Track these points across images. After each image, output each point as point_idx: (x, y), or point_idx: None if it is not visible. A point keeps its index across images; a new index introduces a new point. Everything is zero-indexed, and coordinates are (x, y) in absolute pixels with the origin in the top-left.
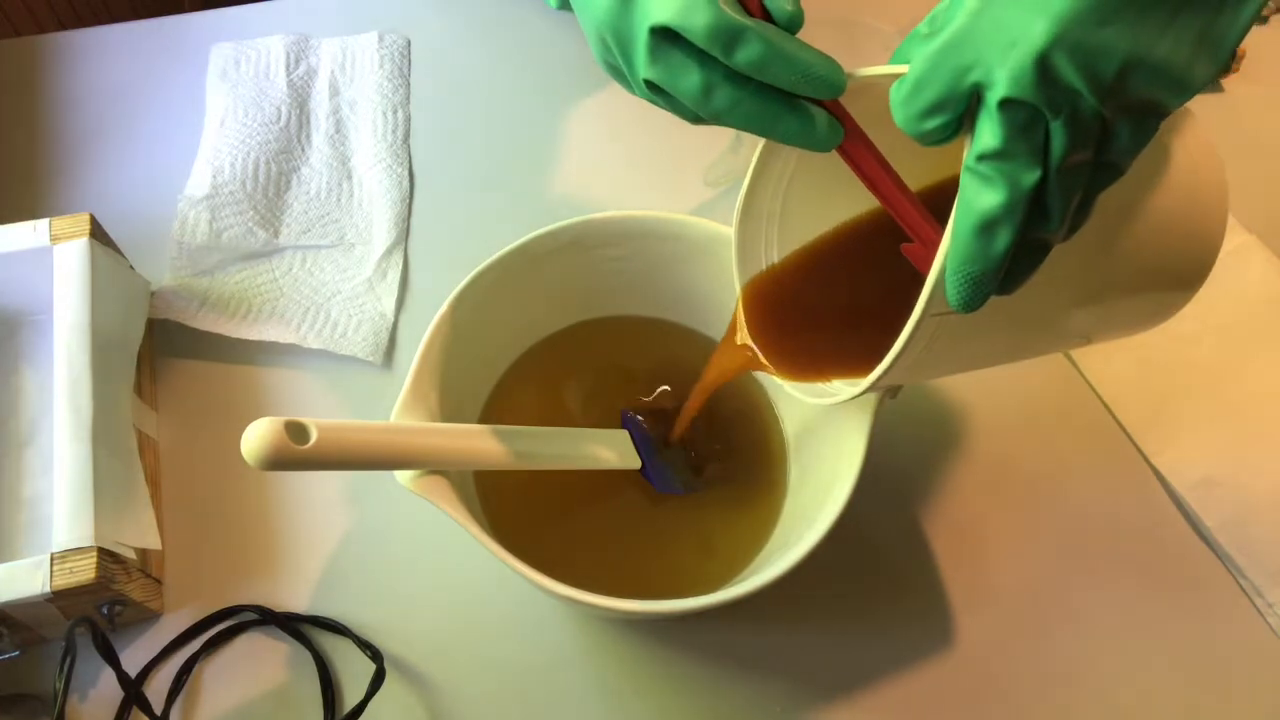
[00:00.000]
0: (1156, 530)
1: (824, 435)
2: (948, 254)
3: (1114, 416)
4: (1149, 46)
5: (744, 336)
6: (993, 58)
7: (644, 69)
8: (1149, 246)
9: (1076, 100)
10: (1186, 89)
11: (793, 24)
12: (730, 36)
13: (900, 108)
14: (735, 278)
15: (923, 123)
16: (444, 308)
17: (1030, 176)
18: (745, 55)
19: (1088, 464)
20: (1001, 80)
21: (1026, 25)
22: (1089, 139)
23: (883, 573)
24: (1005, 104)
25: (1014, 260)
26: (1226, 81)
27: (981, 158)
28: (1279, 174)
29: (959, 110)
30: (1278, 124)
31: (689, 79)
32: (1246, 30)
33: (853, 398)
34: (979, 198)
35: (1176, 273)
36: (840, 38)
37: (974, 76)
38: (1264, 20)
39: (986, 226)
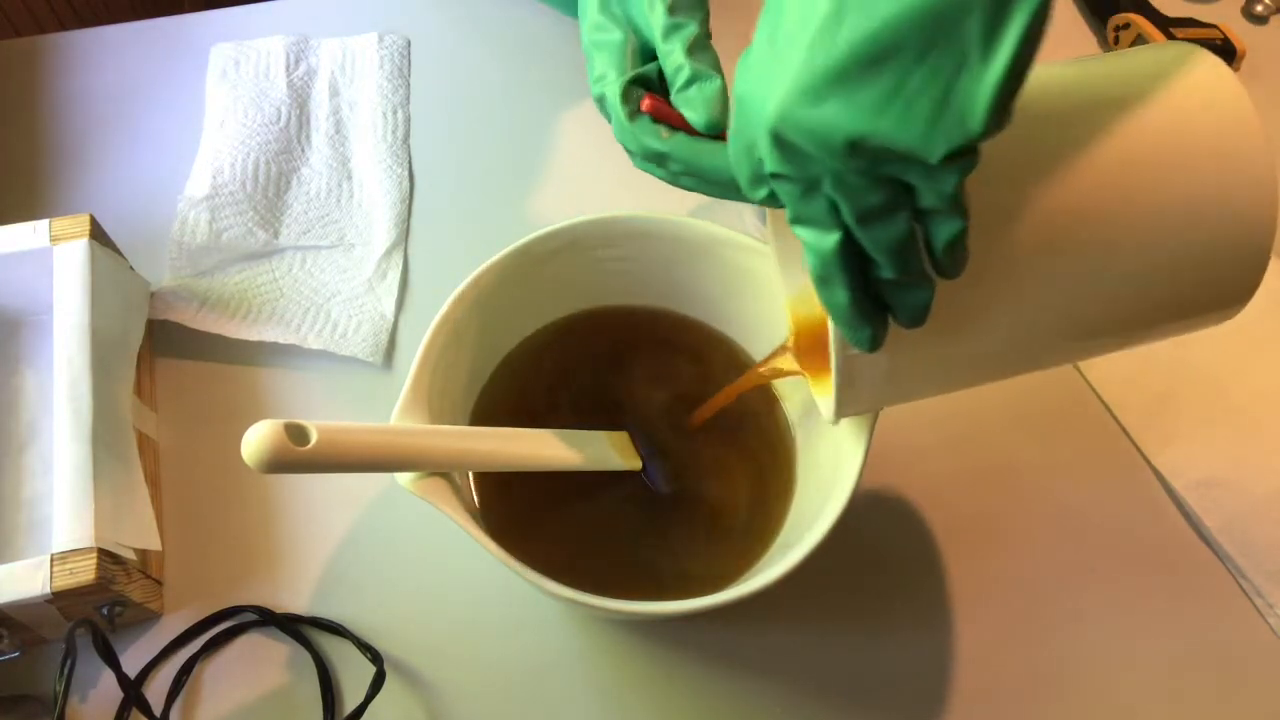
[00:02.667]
0: (1156, 530)
1: (825, 436)
2: None
3: (1114, 416)
4: (870, 122)
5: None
6: (756, 136)
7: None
8: (1156, 281)
9: (830, 168)
10: (923, 162)
11: (712, 129)
12: (657, 159)
13: (741, 183)
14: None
15: (754, 194)
16: (444, 308)
17: (829, 238)
18: (674, 169)
19: (1088, 464)
20: (764, 158)
21: (762, 107)
22: (873, 199)
23: (883, 573)
24: (774, 177)
25: (894, 299)
26: None
27: (791, 223)
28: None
29: (769, 181)
30: (1278, 124)
31: (660, 174)
32: (1001, 91)
33: (834, 421)
34: (807, 258)
35: (1198, 300)
36: None
37: (757, 153)
38: (1264, 20)
39: (821, 281)
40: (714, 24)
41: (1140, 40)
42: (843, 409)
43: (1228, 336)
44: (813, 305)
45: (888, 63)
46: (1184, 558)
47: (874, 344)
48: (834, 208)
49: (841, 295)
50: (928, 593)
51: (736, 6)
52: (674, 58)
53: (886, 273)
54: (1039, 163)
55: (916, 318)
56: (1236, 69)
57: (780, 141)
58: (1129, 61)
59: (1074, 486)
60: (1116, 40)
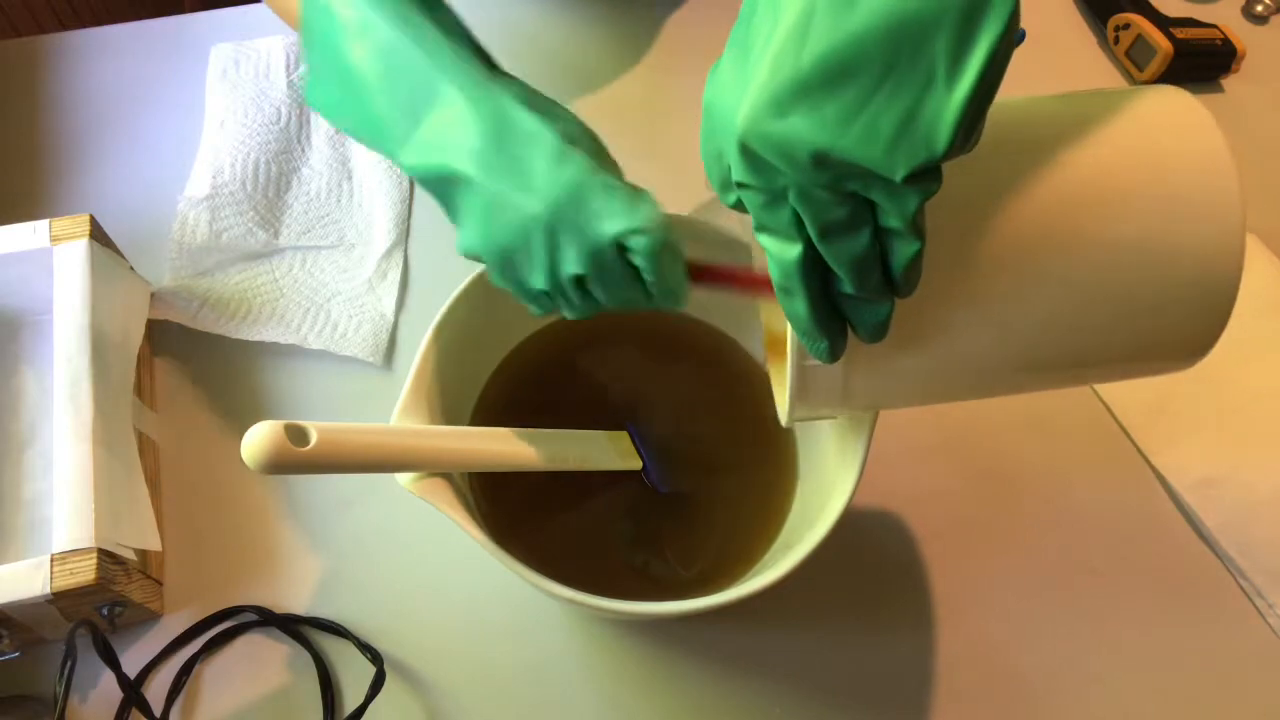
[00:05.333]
0: (1156, 530)
1: (826, 436)
2: None
3: (1114, 416)
4: (834, 136)
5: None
6: (724, 145)
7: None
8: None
9: (794, 181)
10: (885, 179)
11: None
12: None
13: (712, 185)
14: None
15: (724, 198)
16: (444, 309)
17: (792, 250)
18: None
19: (1088, 464)
20: (731, 166)
21: (729, 117)
22: (836, 213)
23: (883, 573)
24: (740, 186)
25: (853, 314)
26: (1226, 81)
27: (755, 231)
28: (1279, 174)
29: None
30: (1278, 124)
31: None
32: (965, 112)
33: (786, 424)
34: (770, 268)
35: (1160, 343)
36: None
37: (725, 161)
38: (1264, 20)
39: (783, 291)
40: (718, 30)
41: (1140, 40)
42: (795, 414)
43: (1227, 337)
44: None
45: (852, 78)
46: (1184, 558)
47: (832, 355)
48: (798, 219)
49: (801, 306)
50: (928, 593)
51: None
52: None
53: (847, 287)
54: (999, 190)
55: (875, 333)
56: (1236, 69)
57: (746, 152)
58: (1111, 99)
59: (1074, 487)
60: (1116, 40)
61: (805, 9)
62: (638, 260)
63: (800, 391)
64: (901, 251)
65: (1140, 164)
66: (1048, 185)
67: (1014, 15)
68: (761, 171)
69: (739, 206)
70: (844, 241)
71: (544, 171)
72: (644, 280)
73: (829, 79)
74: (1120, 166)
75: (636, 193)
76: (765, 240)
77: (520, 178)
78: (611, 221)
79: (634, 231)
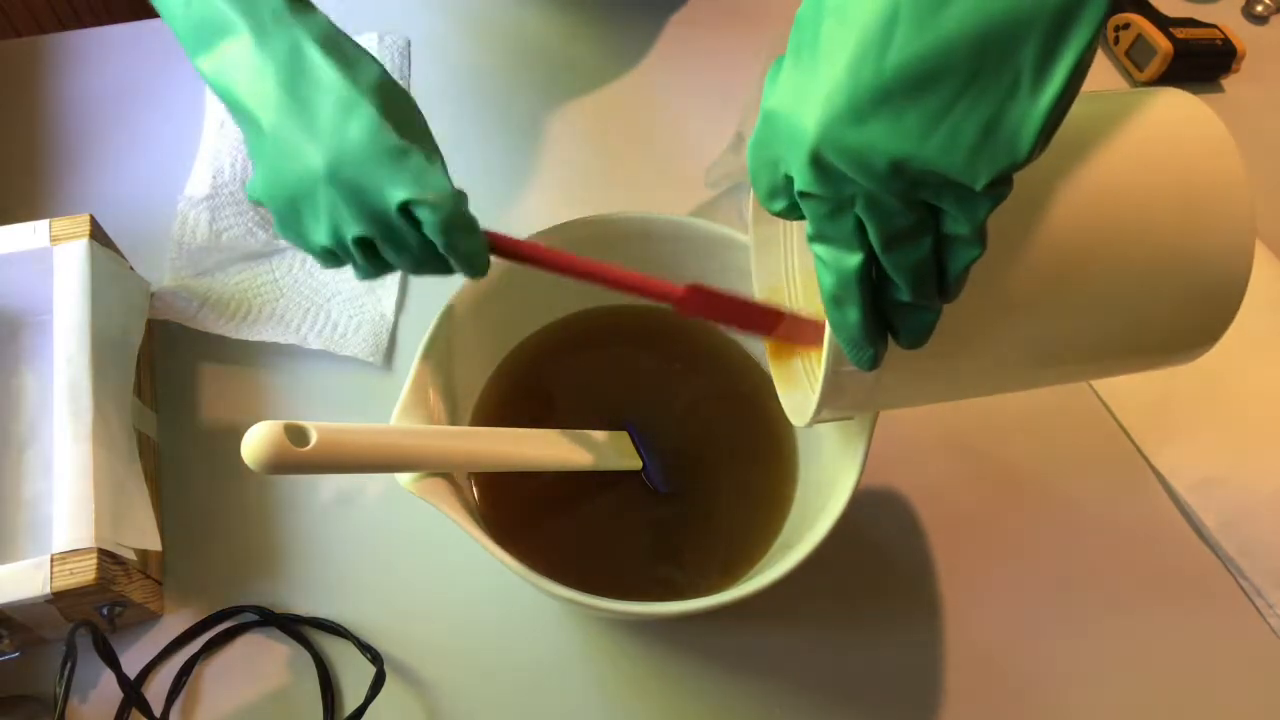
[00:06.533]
0: (1156, 530)
1: (826, 435)
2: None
3: (1114, 416)
4: (915, 145)
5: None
6: (787, 154)
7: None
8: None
9: (864, 190)
10: (965, 187)
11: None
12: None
13: (756, 192)
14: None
15: (771, 205)
16: (444, 309)
17: (852, 259)
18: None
19: (1088, 464)
20: (795, 175)
21: (800, 125)
22: (903, 221)
23: (883, 573)
24: (803, 195)
25: (901, 321)
26: (1226, 81)
27: (811, 239)
28: (1279, 174)
29: (790, 195)
30: (1278, 124)
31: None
32: (1049, 119)
33: (804, 426)
34: (821, 276)
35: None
36: None
37: (783, 169)
38: (1264, 20)
39: (834, 300)
40: (718, 31)
41: (1140, 40)
42: (819, 417)
43: (1228, 337)
44: (782, 303)
45: (936, 85)
46: (1184, 558)
47: (875, 363)
48: (860, 228)
49: (855, 315)
50: (928, 592)
51: (753, 18)
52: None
53: (904, 295)
54: (1029, 198)
55: (919, 339)
56: (1236, 69)
57: (818, 161)
58: (1122, 104)
59: (1074, 487)
60: (1116, 40)
61: (887, 14)
62: (427, 231)
63: (831, 397)
64: (962, 257)
65: (1158, 173)
66: (1072, 192)
67: (1105, 19)
68: (832, 181)
69: (787, 214)
70: (908, 250)
71: (328, 121)
72: (438, 249)
73: (913, 86)
74: (1140, 176)
75: (429, 159)
76: (821, 250)
77: (306, 125)
78: (394, 189)
79: (418, 202)
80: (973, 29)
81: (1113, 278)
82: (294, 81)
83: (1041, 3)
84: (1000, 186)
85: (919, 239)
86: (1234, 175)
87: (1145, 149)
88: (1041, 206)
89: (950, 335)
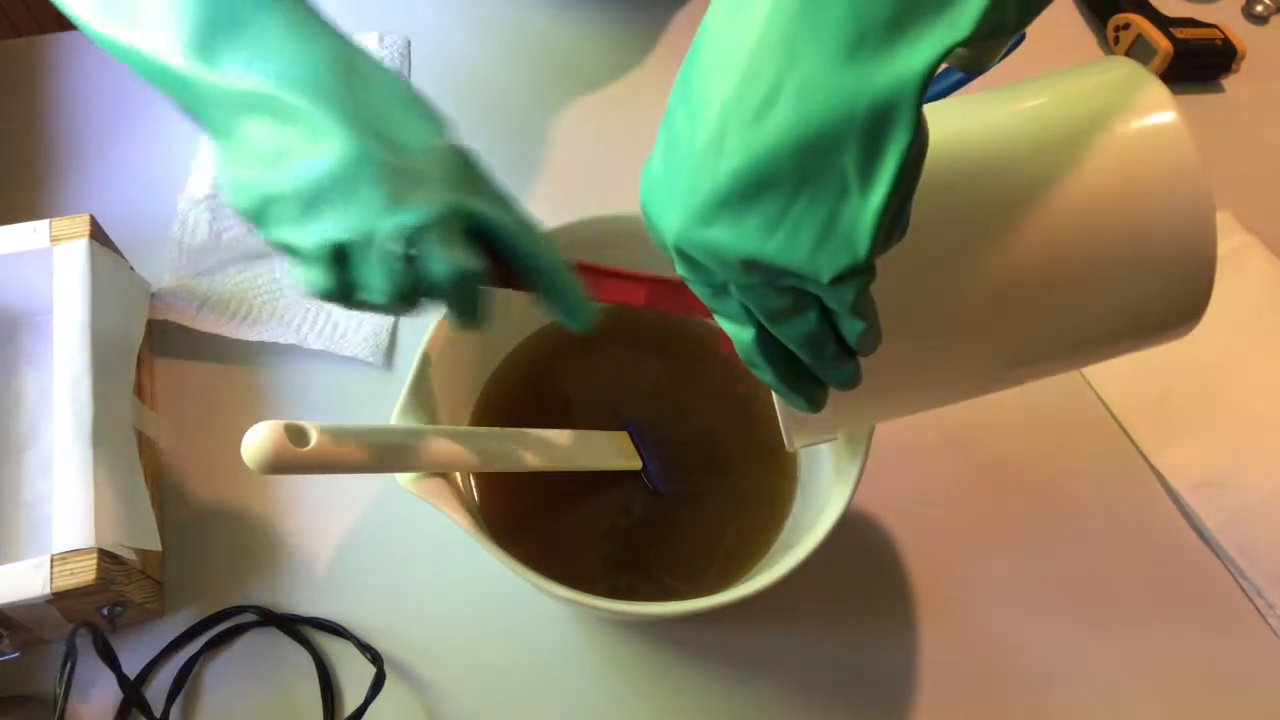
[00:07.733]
0: (1156, 530)
1: None
2: None
3: (1114, 416)
4: (758, 245)
5: None
6: (661, 243)
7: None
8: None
9: (732, 279)
10: (814, 279)
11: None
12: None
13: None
14: None
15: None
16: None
17: (745, 332)
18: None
19: (1088, 464)
20: (673, 261)
21: (662, 223)
22: (778, 303)
23: (883, 573)
24: (685, 277)
25: (821, 374)
26: (1226, 81)
27: (711, 313)
28: (1279, 174)
29: None
30: (1278, 124)
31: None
32: (881, 218)
33: (790, 450)
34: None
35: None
36: None
37: (668, 254)
38: (1264, 20)
39: (749, 363)
40: None
41: (1140, 40)
42: (795, 445)
43: (1228, 337)
44: None
45: (769, 190)
46: (1184, 558)
47: (813, 408)
48: (745, 307)
49: (768, 376)
50: (928, 592)
51: None
52: None
53: (805, 360)
54: (967, 213)
55: (847, 385)
56: (1236, 69)
57: (682, 255)
58: (1059, 86)
59: (1074, 487)
60: (1116, 40)
61: (719, 124)
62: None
63: (793, 430)
64: (850, 330)
65: (1104, 160)
66: (1014, 200)
67: (920, 126)
68: (700, 271)
69: None
70: (792, 324)
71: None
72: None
73: (746, 192)
74: (1085, 167)
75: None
76: (722, 323)
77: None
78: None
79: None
80: (792, 139)
81: (1066, 280)
82: (351, 73)
83: (851, 113)
84: (853, 277)
85: (801, 314)
86: (1180, 154)
87: (1086, 143)
88: (979, 220)
89: (901, 361)
